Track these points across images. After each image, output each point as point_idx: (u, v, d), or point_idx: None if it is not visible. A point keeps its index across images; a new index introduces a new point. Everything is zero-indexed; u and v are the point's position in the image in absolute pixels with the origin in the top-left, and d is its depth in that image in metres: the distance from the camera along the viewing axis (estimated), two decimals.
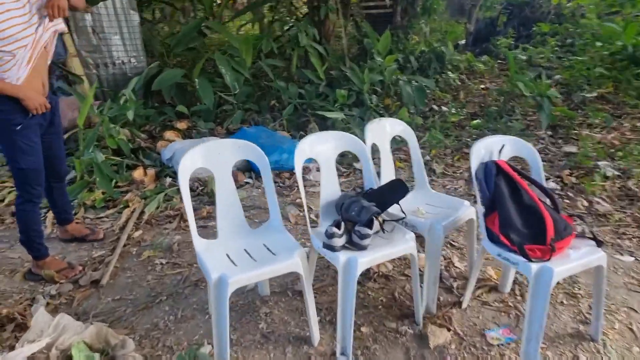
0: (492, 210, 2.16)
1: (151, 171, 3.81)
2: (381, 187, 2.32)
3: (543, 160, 4.07)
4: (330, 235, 1.97)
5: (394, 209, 2.30)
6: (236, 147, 2.19)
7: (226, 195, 2.18)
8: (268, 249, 2.07)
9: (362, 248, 2.01)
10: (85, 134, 3.92)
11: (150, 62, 5.39)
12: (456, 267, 2.75)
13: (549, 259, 1.94)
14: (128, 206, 3.32)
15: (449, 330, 2.22)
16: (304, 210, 3.31)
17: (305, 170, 4.02)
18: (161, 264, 2.74)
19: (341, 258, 1.95)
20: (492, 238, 2.13)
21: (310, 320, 2.08)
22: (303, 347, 2.10)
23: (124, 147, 4.07)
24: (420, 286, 2.31)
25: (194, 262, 2.73)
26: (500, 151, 2.27)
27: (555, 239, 2.00)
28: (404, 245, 2.08)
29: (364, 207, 2.07)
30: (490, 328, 2.25)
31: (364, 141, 2.41)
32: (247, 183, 3.80)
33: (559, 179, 3.84)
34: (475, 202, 3.54)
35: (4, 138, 2.35)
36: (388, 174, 2.52)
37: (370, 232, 2.00)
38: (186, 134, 4.87)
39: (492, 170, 2.16)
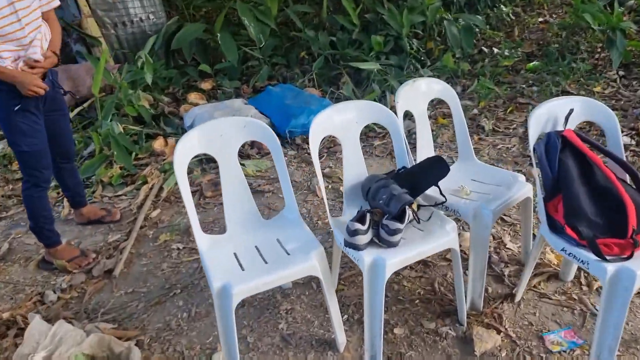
0: (556, 193, 1.75)
1: (172, 141, 3.57)
2: (416, 166, 1.95)
3: (614, 109, 3.50)
4: (352, 233, 1.65)
5: (431, 191, 1.93)
6: (241, 126, 1.86)
7: (233, 183, 1.88)
8: (282, 245, 1.78)
9: (391, 245, 1.67)
10: (104, 103, 3.71)
11: (171, 17, 5.03)
12: (508, 248, 2.38)
13: (629, 257, 1.54)
14: (147, 182, 3.12)
15: (498, 332, 1.89)
16: (330, 185, 2.99)
17: None
18: (178, 249, 2.53)
19: (366, 259, 1.64)
20: (555, 228, 1.73)
21: (334, 325, 1.81)
22: (327, 354, 1.85)
23: (144, 114, 3.84)
24: (465, 273, 1.98)
25: None
26: (567, 117, 1.82)
27: (639, 230, 1.59)
28: (444, 238, 1.73)
29: (394, 196, 1.72)
30: (550, 329, 1.90)
31: (394, 110, 2.01)
32: None
33: (633, 132, 3.28)
34: (530, 164, 3.10)
35: (4, 121, 2.15)
36: (425, 149, 2.12)
37: (401, 226, 1.65)
38: (211, 95, 4.58)
39: (556, 144, 1.72)
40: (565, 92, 3.96)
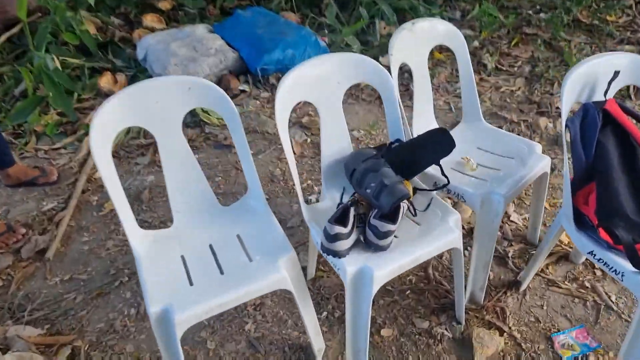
0: (587, 181, 1.39)
1: (121, 77, 3.03)
2: (414, 140, 1.54)
3: (628, 42, 3.07)
4: (332, 238, 1.28)
5: (431, 169, 1.55)
6: (185, 89, 1.40)
7: (178, 163, 1.45)
8: (243, 245, 1.41)
9: (380, 249, 1.32)
10: (38, 28, 3.09)
11: None
12: (512, 221, 2.06)
13: None
14: None
15: (501, 333, 1.62)
16: (309, 139, 2.57)
17: None
18: None
19: (348, 269, 1.29)
20: (582, 224, 1.39)
21: (310, 334, 1.50)
22: None
23: (88, 43, 3.23)
24: (465, 251, 1.66)
25: (167, 219, 2.12)
26: (610, 83, 1.40)
27: None
28: (447, 237, 1.38)
29: (386, 187, 1.33)
30: (560, 328, 1.64)
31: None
32: (242, 92, 2.98)
33: None
34: (537, 113, 2.70)
35: None
36: (424, 115, 1.70)
37: (393, 227, 1.29)
38: (171, 17, 3.92)
39: (595, 121, 1.33)
40: (576, 22, 3.47)
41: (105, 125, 1.30)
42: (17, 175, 2.32)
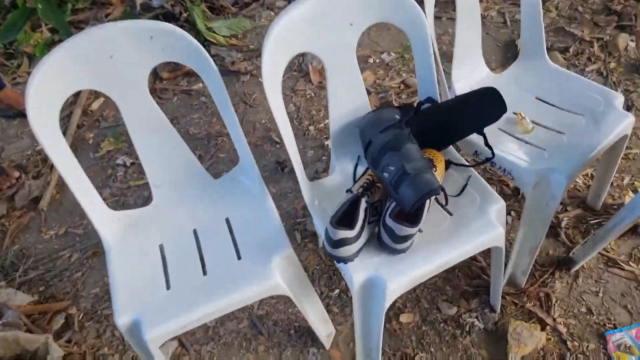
0: None
1: None
2: (451, 103, 1.17)
3: None
4: (336, 244, 1.00)
5: (473, 137, 1.21)
6: (145, 38, 1.06)
7: (150, 133, 1.17)
8: (232, 234, 1.16)
9: (396, 252, 1.05)
10: None
11: None
12: None
13: None
14: None
15: (543, 327, 1.37)
16: None
17: None
18: (124, 166, 1.93)
19: (355, 277, 1.03)
20: None
21: (316, 325, 1.31)
22: (309, 350, 1.39)
23: None
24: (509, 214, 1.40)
25: None
26: None
27: None
28: (485, 235, 1.08)
29: (408, 176, 1.00)
30: (616, 323, 1.38)
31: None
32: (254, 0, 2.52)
33: None
34: (617, 27, 2.15)
35: None
36: (469, 60, 1.29)
37: (413, 230, 1.00)
38: None
39: None
40: None
41: (46, 92, 1.01)
42: (8, 101, 2.11)
